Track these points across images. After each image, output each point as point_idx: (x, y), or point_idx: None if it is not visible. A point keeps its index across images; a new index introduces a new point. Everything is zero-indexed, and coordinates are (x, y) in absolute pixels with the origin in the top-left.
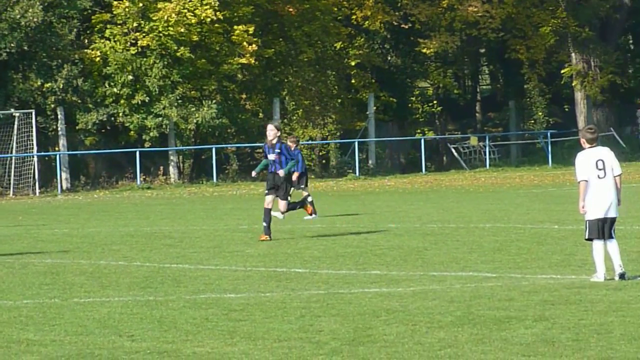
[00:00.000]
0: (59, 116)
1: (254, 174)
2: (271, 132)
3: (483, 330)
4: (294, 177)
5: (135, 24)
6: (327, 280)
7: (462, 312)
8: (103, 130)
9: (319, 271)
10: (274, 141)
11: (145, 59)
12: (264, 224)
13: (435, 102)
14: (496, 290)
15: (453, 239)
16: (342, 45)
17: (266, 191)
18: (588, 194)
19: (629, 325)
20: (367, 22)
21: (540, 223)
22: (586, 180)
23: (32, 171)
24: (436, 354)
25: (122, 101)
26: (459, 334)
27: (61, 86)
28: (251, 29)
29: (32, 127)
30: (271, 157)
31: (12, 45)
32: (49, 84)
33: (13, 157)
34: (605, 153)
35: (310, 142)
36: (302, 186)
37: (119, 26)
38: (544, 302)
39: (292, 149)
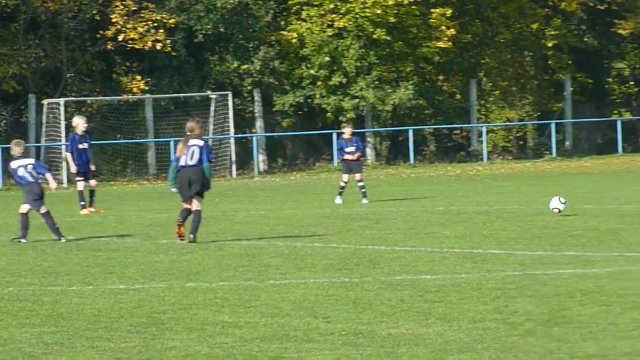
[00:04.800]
0: (256, 98)
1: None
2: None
3: None
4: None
5: (331, 6)
6: (522, 261)
7: None
8: (300, 112)
9: (514, 252)
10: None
11: (342, 41)
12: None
13: (631, 82)
14: None
15: None
16: (538, 27)
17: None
18: None
19: None
20: (563, 3)
21: None
22: None
23: (229, 153)
24: (630, 335)
25: (319, 83)
26: None
27: (258, 68)
28: (448, 12)
29: (228, 109)
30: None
31: (209, 27)
32: (246, 66)
33: (210, 139)
34: None
35: (507, 123)
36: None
37: (316, 8)
38: None
39: (349, 135)
